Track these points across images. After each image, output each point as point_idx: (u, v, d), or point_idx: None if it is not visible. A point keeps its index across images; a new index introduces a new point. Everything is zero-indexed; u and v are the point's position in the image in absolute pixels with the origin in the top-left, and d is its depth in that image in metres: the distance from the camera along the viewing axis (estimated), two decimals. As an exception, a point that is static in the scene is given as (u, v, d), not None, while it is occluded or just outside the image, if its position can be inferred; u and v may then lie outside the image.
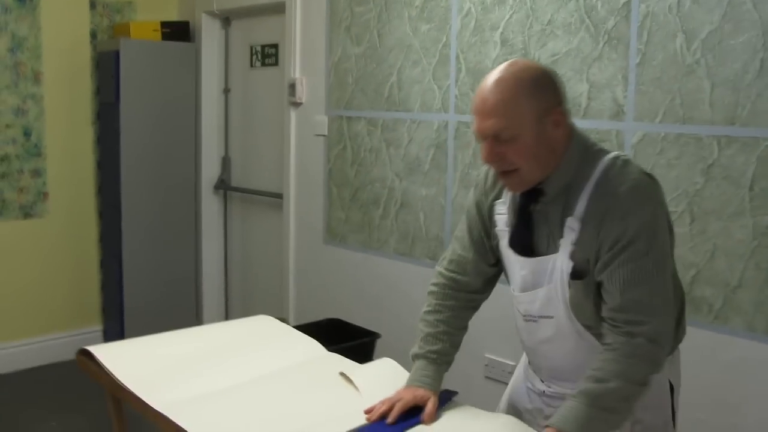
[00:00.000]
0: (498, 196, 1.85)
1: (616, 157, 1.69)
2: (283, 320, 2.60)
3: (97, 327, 4.83)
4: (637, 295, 1.61)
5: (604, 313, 1.66)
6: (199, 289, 4.98)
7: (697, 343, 2.61)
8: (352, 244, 3.92)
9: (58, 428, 3.76)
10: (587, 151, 1.71)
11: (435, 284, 1.97)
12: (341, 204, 3.95)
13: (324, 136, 4.00)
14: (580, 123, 2.85)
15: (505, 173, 1.70)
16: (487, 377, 3.33)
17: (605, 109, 2.84)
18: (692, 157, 2.61)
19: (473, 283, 1.94)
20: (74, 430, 3.72)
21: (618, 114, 2.80)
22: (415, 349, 1.92)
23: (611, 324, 1.64)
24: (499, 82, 1.63)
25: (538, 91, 1.63)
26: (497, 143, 1.64)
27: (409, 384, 1.85)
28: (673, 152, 2.66)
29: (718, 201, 2.56)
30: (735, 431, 2.57)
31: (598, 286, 1.67)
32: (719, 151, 2.55)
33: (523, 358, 2.02)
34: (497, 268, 1.93)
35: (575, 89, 2.91)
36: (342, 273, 4.00)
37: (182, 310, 4.89)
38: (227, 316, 4.97)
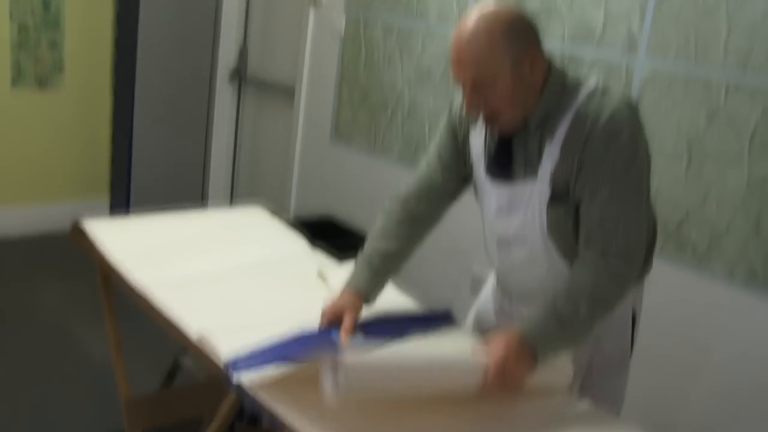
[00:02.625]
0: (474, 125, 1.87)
1: (596, 86, 1.71)
2: (275, 213, 2.66)
3: (104, 200, 4.92)
4: (615, 212, 1.66)
5: (581, 232, 1.71)
6: (206, 175, 5.04)
7: (678, 282, 2.67)
8: (357, 146, 3.94)
9: (58, 295, 3.90)
10: (567, 81, 1.73)
11: (397, 201, 1.95)
12: (350, 105, 3.96)
13: (340, 36, 3.97)
14: (592, 52, 2.86)
15: (489, 119, 1.73)
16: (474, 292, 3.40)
17: (619, 40, 2.80)
18: (698, 99, 2.59)
19: (436, 203, 1.95)
20: (72, 297, 3.86)
21: (631, 46, 2.77)
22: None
23: (587, 241, 1.69)
24: (473, 35, 1.63)
25: (512, 39, 1.64)
26: (476, 92, 1.67)
27: (345, 285, 1.86)
28: (680, 93, 2.64)
29: (718, 147, 2.56)
30: (701, 369, 2.65)
31: (578, 208, 1.71)
32: (726, 97, 2.53)
33: (492, 278, 2.08)
34: (465, 184, 1.95)
35: (591, 16, 2.87)
36: (344, 173, 4.04)
37: (189, 193, 4.97)
38: (232, 203, 5.05)
